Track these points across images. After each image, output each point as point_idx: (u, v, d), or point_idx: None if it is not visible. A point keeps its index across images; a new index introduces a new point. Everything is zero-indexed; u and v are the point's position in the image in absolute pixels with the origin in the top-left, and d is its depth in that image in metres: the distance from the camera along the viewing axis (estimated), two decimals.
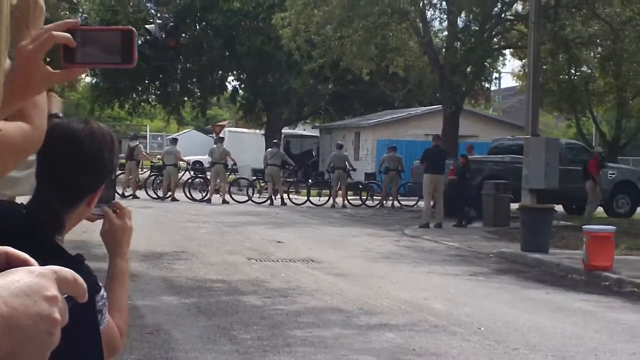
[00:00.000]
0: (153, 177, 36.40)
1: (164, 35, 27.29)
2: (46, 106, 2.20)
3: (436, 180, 25.60)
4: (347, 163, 34.87)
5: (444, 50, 33.55)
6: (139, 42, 44.31)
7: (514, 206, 24.07)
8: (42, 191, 2.42)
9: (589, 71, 38.99)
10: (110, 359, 2.66)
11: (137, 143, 36.19)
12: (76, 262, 2.29)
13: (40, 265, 1.27)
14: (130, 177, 34.78)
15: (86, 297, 1.29)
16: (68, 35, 1.81)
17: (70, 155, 2.46)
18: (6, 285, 1.14)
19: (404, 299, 13.01)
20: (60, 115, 3.60)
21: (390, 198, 34.89)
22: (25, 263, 1.28)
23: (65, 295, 1.24)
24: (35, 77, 1.85)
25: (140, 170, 36.46)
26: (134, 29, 1.92)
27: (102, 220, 2.81)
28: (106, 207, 2.76)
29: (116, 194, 26.79)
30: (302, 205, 33.12)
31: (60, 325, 1.19)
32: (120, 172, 35.76)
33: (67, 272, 1.24)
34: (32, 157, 3.12)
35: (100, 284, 2.47)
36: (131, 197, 33.56)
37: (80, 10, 38.77)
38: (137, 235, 12.21)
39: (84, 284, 1.28)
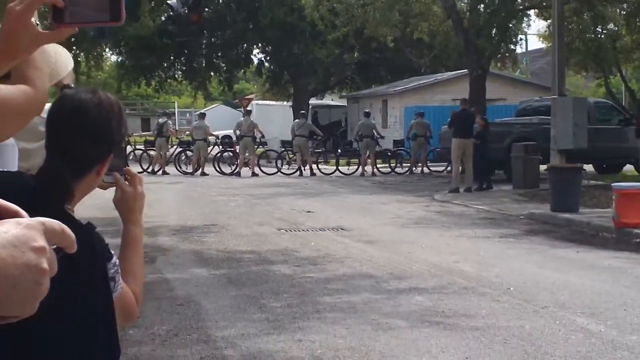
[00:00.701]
0: (181, 152, 36.60)
1: (186, 11, 27.26)
2: (47, 69, 2.23)
3: (464, 145, 25.50)
4: (374, 131, 34.85)
5: (467, 13, 33.33)
6: (162, 18, 44.55)
7: (544, 168, 23.96)
8: (51, 161, 2.45)
9: (615, 29, 38.64)
10: (127, 323, 2.71)
11: (166, 119, 36.30)
12: (87, 231, 2.33)
13: (54, 249, 1.30)
14: (161, 153, 34.95)
15: (75, 247, 1.32)
16: None
17: (78, 125, 2.49)
18: None
19: (434, 262, 13.03)
20: (72, 85, 3.62)
21: (420, 164, 34.88)
22: (15, 214, 1.31)
23: (54, 247, 1.27)
24: (25, 38, 1.88)
25: (169, 146, 36.58)
26: None
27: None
28: (117, 175, 2.80)
29: (147, 170, 27.02)
30: (331, 175, 33.15)
31: (48, 275, 1.22)
32: (150, 148, 36.03)
33: (55, 223, 1.27)
34: (44, 129, 3.18)
35: (112, 252, 2.50)
36: (161, 173, 33.74)
37: None
38: (167, 210, 12.44)
39: (72, 235, 1.31)
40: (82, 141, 2.48)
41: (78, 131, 2.48)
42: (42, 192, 2.31)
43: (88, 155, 2.50)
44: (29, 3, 1.83)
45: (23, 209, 1.32)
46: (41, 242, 1.22)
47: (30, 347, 2.23)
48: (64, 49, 3.52)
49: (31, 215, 1.32)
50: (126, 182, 2.85)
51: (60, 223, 1.28)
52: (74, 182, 2.43)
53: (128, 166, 2.88)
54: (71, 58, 3.50)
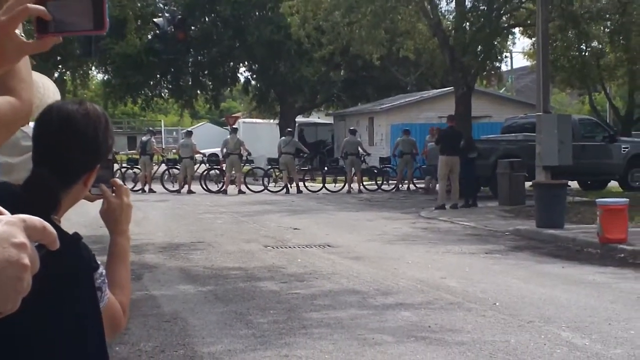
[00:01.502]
0: (166, 171, 36.62)
1: (172, 29, 27.32)
2: (32, 81, 2.25)
3: (452, 162, 25.57)
4: (360, 148, 34.90)
5: (453, 31, 33.43)
6: (149, 36, 44.56)
7: (529, 184, 24.05)
8: (38, 171, 2.47)
9: (600, 46, 38.83)
10: (114, 334, 2.73)
11: (150, 137, 36.25)
12: (73, 241, 2.35)
13: (37, 246, 1.32)
14: (146, 171, 34.91)
15: (57, 244, 1.34)
16: (42, 8, 1.84)
17: (65, 136, 2.51)
18: None
19: (420, 278, 13.07)
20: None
21: (406, 181, 34.97)
22: None
23: (37, 244, 1.30)
24: (9, 48, 1.89)
25: (153, 164, 36.56)
26: None
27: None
28: (104, 186, 2.82)
29: (132, 189, 26.85)
30: (318, 192, 33.19)
31: (30, 271, 1.24)
32: (134, 166, 35.98)
33: (36, 220, 1.29)
34: (27, 143, 3.21)
35: (99, 262, 2.53)
36: (148, 191, 33.71)
37: None
38: (154, 227, 12.45)
39: (54, 232, 1.33)
40: (69, 151, 2.50)
41: (65, 141, 2.50)
42: (29, 202, 2.33)
43: (75, 166, 2.53)
44: (15, 15, 1.85)
45: None
46: (22, 238, 1.24)
47: (22, 356, 2.25)
48: (50, 80, 3.55)
49: None
50: (113, 194, 2.88)
51: (42, 220, 1.31)
52: (61, 192, 2.45)
53: (114, 178, 2.91)
54: (58, 90, 3.52)
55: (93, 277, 2.44)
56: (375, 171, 36.31)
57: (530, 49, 41.38)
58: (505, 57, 47.53)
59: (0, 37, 1.87)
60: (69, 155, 2.50)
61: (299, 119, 54.46)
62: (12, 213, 1.66)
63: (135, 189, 33.68)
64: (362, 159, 34.75)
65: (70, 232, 2.31)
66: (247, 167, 36.45)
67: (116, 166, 35.22)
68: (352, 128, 37.50)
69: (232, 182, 33.92)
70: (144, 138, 36.44)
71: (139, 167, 35.65)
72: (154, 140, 37.05)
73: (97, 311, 2.43)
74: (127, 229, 2.91)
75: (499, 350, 8.59)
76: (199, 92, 54.57)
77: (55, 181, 2.41)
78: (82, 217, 16.10)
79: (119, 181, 2.93)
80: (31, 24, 1.93)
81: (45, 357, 2.28)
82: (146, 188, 34.19)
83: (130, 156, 42.03)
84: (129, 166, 36.61)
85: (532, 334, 9.33)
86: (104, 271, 2.56)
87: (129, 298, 2.82)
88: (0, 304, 1.22)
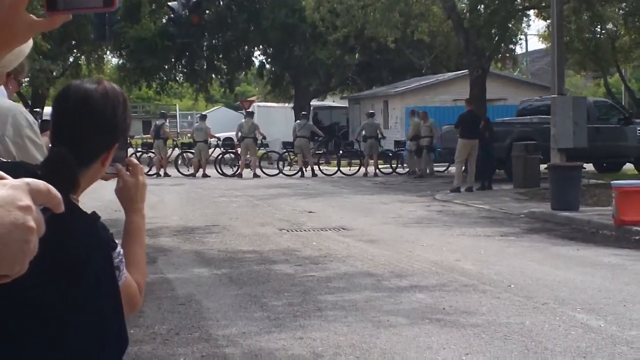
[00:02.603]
0: (179, 155, 36.67)
1: (187, 13, 27.29)
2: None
3: (471, 145, 25.52)
4: (378, 131, 34.84)
5: (467, 13, 33.34)
6: (163, 20, 44.56)
7: (544, 167, 24.00)
8: (56, 150, 2.48)
9: (614, 28, 38.66)
10: (131, 312, 2.74)
11: (163, 121, 36.22)
12: (91, 220, 2.37)
13: (42, 209, 1.33)
14: (160, 155, 34.92)
15: (62, 207, 1.35)
16: None
17: (84, 115, 2.52)
18: None
19: (434, 261, 13.07)
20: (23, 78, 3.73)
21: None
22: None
23: (42, 207, 1.31)
24: (19, 26, 1.90)
25: (167, 147, 36.57)
26: None
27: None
28: (119, 165, 2.83)
29: (147, 173, 26.98)
30: (332, 176, 33.20)
31: (36, 233, 1.25)
32: (149, 150, 36.05)
33: (40, 183, 1.30)
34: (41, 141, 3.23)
35: (117, 241, 2.54)
36: (163, 175, 33.77)
37: None
38: (169, 211, 12.48)
39: (59, 195, 1.34)
40: (87, 131, 2.51)
41: (83, 121, 2.52)
42: (47, 181, 2.35)
43: (93, 145, 2.54)
44: None
45: None
46: (27, 201, 1.25)
47: (46, 332, 2.27)
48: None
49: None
50: (127, 172, 2.89)
51: (46, 183, 1.32)
52: (79, 171, 2.46)
53: (129, 156, 2.92)
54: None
55: (111, 256, 2.45)
56: (390, 154, 36.26)
57: (545, 31, 41.20)
58: (520, 39, 47.47)
59: (11, 15, 1.88)
60: (86, 135, 2.51)
61: (314, 102, 54.44)
62: None
63: (150, 173, 33.74)
64: (379, 142, 34.70)
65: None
66: (262, 151, 36.46)
67: (130, 150, 35.35)
68: (371, 111, 37.37)
69: (247, 166, 33.95)
70: (158, 122, 36.45)
71: (153, 151, 35.72)
72: (167, 124, 37.07)
73: (117, 290, 2.44)
74: (142, 207, 2.92)
75: (514, 332, 8.59)
76: (213, 76, 54.55)
77: (73, 160, 2.42)
78: (98, 201, 16.15)
79: (134, 160, 2.94)
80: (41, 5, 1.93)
81: (64, 335, 2.30)
82: (161, 172, 34.23)
83: (144, 140, 42.10)
84: (144, 150, 36.67)
85: (547, 315, 9.32)
86: (121, 250, 2.58)
87: (145, 276, 2.83)
88: (8, 266, 1.24)
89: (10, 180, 1.29)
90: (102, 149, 2.56)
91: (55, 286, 2.24)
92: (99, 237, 2.38)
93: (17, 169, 2.40)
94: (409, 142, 34.11)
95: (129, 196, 2.88)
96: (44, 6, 1.88)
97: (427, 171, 32.74)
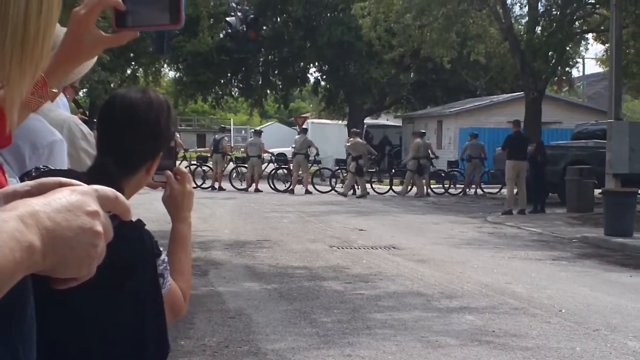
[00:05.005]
0: (234, 169, 36.82)
1: (244, 28, 27.46)
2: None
3: (519, 167, 25.44)
4: (430, 151, 34.71)
5: (524, 35, 33.22)
6: (221, 35, 44.86)
7: (598, 192, 23.79)
8: (101, 159, 2.53)
9: None
10: (175, 319, 2.77)
11: (223, 136, 36.44)
12: (136, 227, 2.41)
13: (110, 216, 1.37)
14: (217, 169, 35.08)
15: (130, 215, 1.39)
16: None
17: (128, 123, 2.57)
18: (50, 203, 1.24)
19: (485, 282, 13.02)
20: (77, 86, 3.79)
21: (473, 186, 34.80)
22: (71, 186, 1.39)
23: (110, 214, 1.34)
24: (87, 41, 1.96)
25: (225, 162, 36.74)
26: None
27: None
28: (168, 172, 2.87)
29: (200, 186, 27.10)
30: (384, 194, 33.16)
31: (103, 238, 1.29)
32: (203, 164, 36.25)
33: (109, 190, 1.34)
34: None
35: (162, 249, 2.57)
36: (218, 188, 33.93)
37: None
38: (221, 224, 12.57)
39: (127, 203, 1.38)
40: (132, 139, 2.55)
41: (128, 131, 2.56)
42: None
43: (138, 153, 2.58)
44: (92, 7, 1.91)
45: None
46: (94, 206, 1.28)
47: (83, 335, 2.32)
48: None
49: None
50: (175, 180, 2.92)
51: (114, 190, 1.36)
52: (123, 179, 2.51)
53: (177, 165, 2.95)
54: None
55: (155, 263, 2.49)
56: (443, 175, 36.18)
57: (603, 55, 40.91)
58: (577, 62, 47.10)
59: (80, 29, 1.93)
60: (131, 144, 2.56)
61: (367, 120, 54.43)
62: None
63: (204, 186, 33.96)
64: (432, 162, 34.55)
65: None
66: (314, 168, 36.52)
67: (185, 163, 35.57)
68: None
69: (300, 182, 34.02)
70: (217, 136, 36.63)
71: (208, 164, 35.93)
72: (226, 139, 37.22)
73: (159, 297, 2.48)
74: (189, 215, 2.94)
75: (564, 358, 8.53)
76: (268, 91, 54.81)
77: (116, 170, 2.46)
78: (151, 212, 16.27)
79: (183, 169, 2.97)
80: (108, 21, 1.98)
81: (103, 339, 2.35)
82: (216, 185, 34.40)
83: (199, 153, 42.32)
84: (198, 163, 36.90)
85: (598, 342, 9.24)
86: (166, 258, 2.61)
87: (190, 284, 2.84)
88: (75, 269, 1.27)
89: (79, 186, 1.33)
90: (147, 157, 2.61)
91: (96, 290, 2.29)
92: (144, 244, 2.43)
93: (65, 176, 2.45)
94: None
95: (176, 204, 2.90)
96: (113, 23, 1.94)
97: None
